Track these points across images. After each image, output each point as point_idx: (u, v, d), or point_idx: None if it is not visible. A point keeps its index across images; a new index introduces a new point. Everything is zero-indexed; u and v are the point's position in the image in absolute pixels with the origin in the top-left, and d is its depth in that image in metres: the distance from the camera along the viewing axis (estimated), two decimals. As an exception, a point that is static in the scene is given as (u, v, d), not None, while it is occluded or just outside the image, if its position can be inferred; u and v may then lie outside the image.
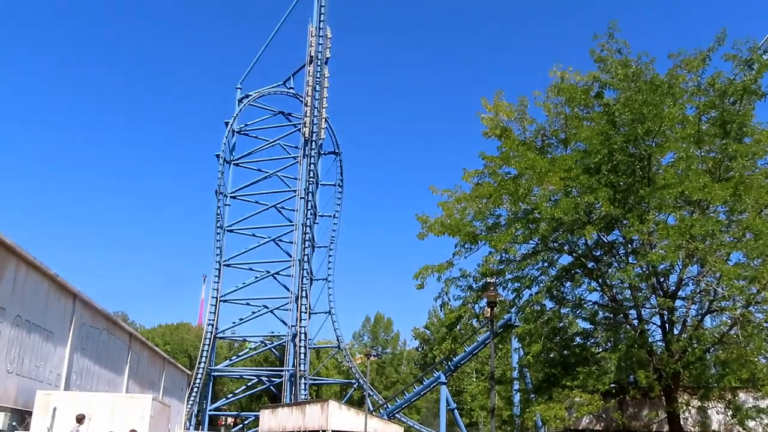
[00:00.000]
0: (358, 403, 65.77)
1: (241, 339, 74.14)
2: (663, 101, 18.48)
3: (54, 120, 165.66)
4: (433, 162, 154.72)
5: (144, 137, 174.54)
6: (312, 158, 66.89)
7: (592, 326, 21.47)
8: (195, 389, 60.28)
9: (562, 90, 21.43)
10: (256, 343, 71.34)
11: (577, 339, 21.67)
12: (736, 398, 19.75)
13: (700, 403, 20.12)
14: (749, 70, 19.42)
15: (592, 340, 21.63)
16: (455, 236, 21.16)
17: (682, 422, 20.33)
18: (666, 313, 19.45)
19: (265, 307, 66.90)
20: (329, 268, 70.72)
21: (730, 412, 19.59)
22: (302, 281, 64.01)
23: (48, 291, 21.39)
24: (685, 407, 20.11)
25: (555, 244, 21.19)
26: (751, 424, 19.02)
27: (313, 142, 67.01)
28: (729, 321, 18.98)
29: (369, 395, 51.98)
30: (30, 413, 19.76)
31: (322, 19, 67.78)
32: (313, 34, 67.68)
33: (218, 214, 67.32)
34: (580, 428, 23.74)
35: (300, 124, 68.10)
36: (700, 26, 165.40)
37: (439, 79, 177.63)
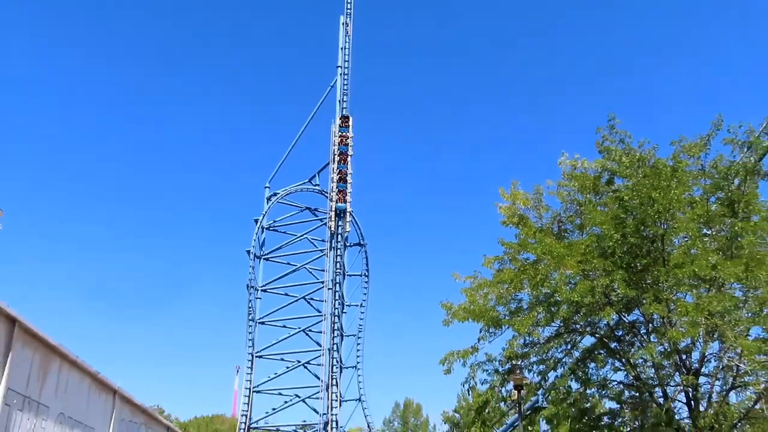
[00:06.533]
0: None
1: (274, 429, 73.57)
2: (670, 184, 19.16)
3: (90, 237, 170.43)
4: (456, 249, 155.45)
5: (179, 236, 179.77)
6: (338, 251, 67.78)
7: (618, 406, 21.55)
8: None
9: (574, 178, 22.43)
10: None
11: (605, 419, 21.71)
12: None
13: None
14: (749, 153, 20.30)
15: (619, 420, 21.67)
16: (479, 321, 21.42)
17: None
18: (691, 390, 19.56)
19: (297, 396, 66.57)
20: (358, 356, 70.29)
21: None
22: (332, 370, 63.72)
23: (89, 388, 22.28)
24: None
25: (577, 326, 21.45)
26: None
27: (339, 235, 68.26)
28: (753, 396, 19.16)
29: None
30: None
31: (344, 122, 70.19)
32: (336, 134, 69.86)
33: (249, 308, 67.90)
34: None
35: (326, 218, 69.80)
36: (699, 114, 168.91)
37: (456, 173, 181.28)
